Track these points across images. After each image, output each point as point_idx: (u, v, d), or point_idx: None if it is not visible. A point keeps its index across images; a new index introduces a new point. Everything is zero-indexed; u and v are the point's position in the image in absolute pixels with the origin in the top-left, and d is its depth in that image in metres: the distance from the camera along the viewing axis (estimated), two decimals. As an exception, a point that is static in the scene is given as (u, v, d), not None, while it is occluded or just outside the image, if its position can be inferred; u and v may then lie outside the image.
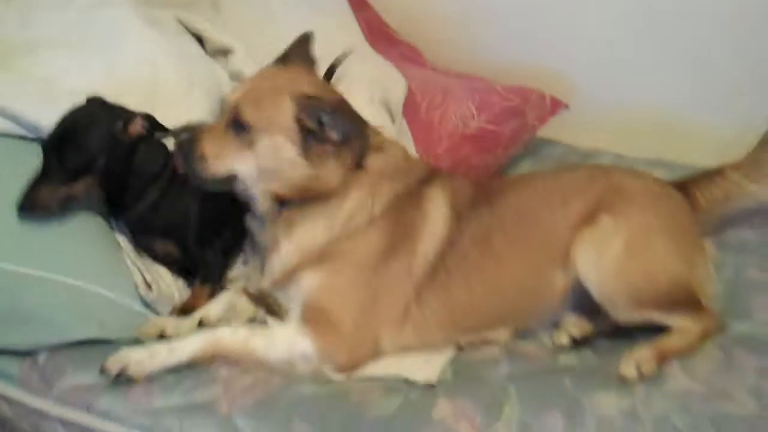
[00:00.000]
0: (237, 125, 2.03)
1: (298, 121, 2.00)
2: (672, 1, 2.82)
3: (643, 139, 2.90)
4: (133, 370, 1.94)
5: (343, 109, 2.04)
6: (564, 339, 2.16)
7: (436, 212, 2.14)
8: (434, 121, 2.71)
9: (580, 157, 2.93)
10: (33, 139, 2.18)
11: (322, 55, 2.76)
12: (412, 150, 2.64)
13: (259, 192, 2.10)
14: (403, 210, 2.13)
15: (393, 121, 2.70)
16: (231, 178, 2.06)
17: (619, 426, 1.84)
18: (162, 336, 2.06)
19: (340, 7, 3.05)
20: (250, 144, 2.02)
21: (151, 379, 1.96)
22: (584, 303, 2.14)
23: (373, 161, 2.12)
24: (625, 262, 2.06)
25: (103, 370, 1.93)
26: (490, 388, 1.97)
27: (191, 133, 2.10)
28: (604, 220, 2.10)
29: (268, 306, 2.19)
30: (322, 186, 2.06)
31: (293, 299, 2.09)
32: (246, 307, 2.20)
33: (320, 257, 2.08)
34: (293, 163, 2.02)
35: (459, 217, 2.15)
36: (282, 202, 2.10)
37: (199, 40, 2.75)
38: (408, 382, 1.99)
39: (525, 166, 2.93)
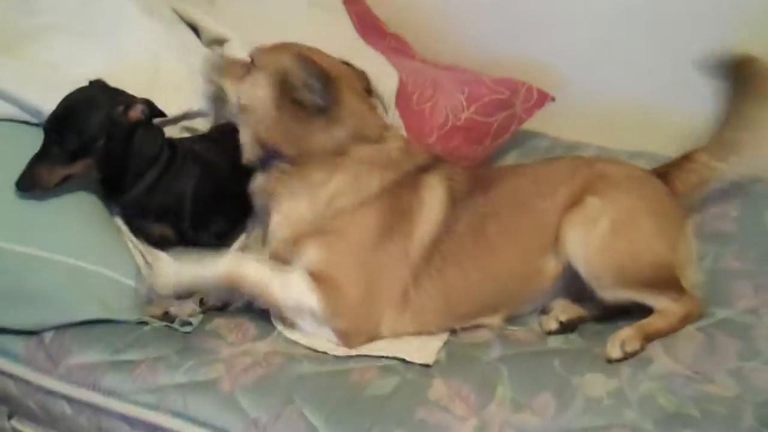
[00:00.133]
0: (251, 61, 2.26)
1: (287, 74, 2.14)
2: (655, 5, 2.88)
3: (625, 131, 2.95)
4: (161, 286, 2.11)
5: (330, 84, 2.14)
6: (552, 324, 2.21)
7: (433, 198, 2.20)
8: (425, 113, 2.75)
9: (564, 149, 2.98)
10: (36, 125, 2.20)
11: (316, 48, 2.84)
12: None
13: (244, 132, 2.25)
14: (400, 196, 2.18)
15: (386, 112, 2.73)
16: (221, 99, 2.32)
17: (606, 405, 1.90)
18: (167, 315, 2.13)
19: (333, 1, 3.09)
20: (244, 75, 2.23)
21: (156, 358, 2.02)
22: (573, 289, 2.21)
23: (365, 150, 2.19)
24: (611, 240, 2.12)
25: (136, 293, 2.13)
26: (483, 369, 2.03)
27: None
28: (591, 201, 2.17)
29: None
30: (294, 148, 2.17)
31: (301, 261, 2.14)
32: None
33: (315, 232, 2.14)
34: (264, 105, 2.18)
35: (455, 203, 2.21)
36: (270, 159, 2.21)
37: (194, 29, 2.77)
38: (405, 363, 2.04)
39: (512, 158, 2.97)
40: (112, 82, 2.21)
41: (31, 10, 2.46)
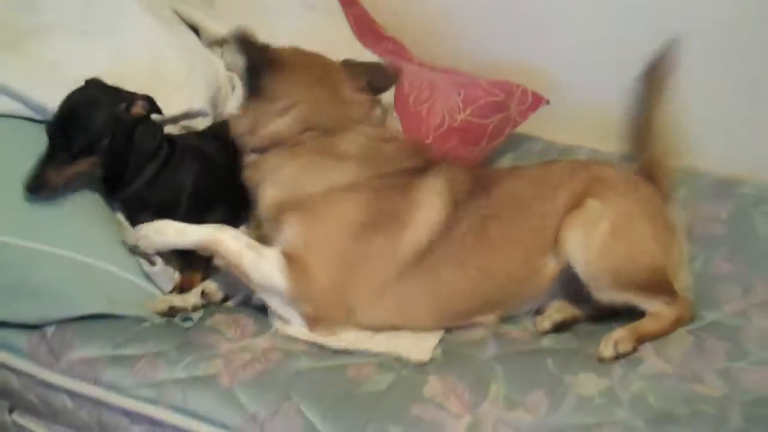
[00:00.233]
0: None
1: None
2: (650, 5, 2.90)
3: (617, 135, 2.99)
4: (143, 243, 2.14)
5: (260, 69, 2.24)
6: (547, 324, 2.24)
7: (430, 203, 2.22)
8: (422, 114, 2.79)
9: (558, 152, 3.01)
10: (39, 121, 2.23)
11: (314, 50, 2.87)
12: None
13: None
14: (387, 195, 2.20)
15: (385, 114, 2.75)
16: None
17: (598, 404, 1.93)
18: (172, 309, 2.17)
19: (329, 2, 3.12)
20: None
21: (156, 353, 2.05)
22: (569, 290, 2.25)
23: (319, 141, 2.24)
24: (610, 242, 2.15)
25: (123, 244, 2.19)
26: (477, 367, 2.06)
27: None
28: (592, 204, 2.20)
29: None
30: (255, 137, 2.27)
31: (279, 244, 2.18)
32: None
33: (289, 208, 2.18)
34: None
35: (456, 205, 2.23)
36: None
37: (194, 30, 2.81)
38: (400, 360, 2.07)
39: (507, 160, 3.01)
40: (114, 81, 2.23)
41: (35, 8, 2.48)
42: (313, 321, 2.13)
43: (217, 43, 2.81)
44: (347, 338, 2.15)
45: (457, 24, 3.24)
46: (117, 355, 2.05)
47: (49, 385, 2.08)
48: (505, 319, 2.28)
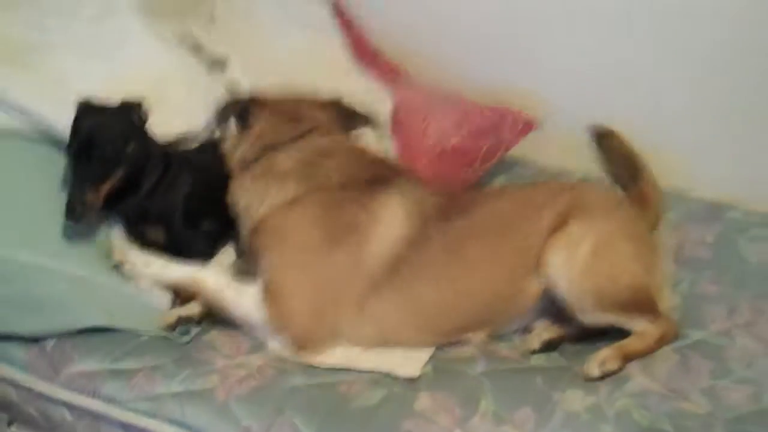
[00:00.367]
0: None
1: None
2: (641, 30, 2.94)
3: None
4: (127, 269, 2.21)
5: (258, 111, 2.39)
6: (535, 343, 2.27)
7: (390, 217, 2.25)
8: (416, 137, 2.82)
9: (550, 175, 3.02)
10: (39, 140, 2.29)
11: (311, 72, 2.92)
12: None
13: None
14: (338, 207, 2.25)
15: (381, 136, 2.79)
16: None
17: (584, 420, 1.96)
18: (180, 319, 2.21)
19: (328, 25, 3.16)
20: None
21: (154, 367, 2.09)
22: (553, 309, 2.27)
23: (281, 164, 2.31)
24: (592, 263, 2.18)
25: (107, 255, 2.24)
26: (467, 383, 2.09)
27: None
28: (573, 226, 2.24)
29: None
30: (232, 161, 2.40)
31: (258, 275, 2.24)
32: None
33: (255, 236, 2.27)
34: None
35: (425, 221, 2.26)
36: None
37: (196, 50, 2.83)
38: (392, 376, 2.11)
39: (499, 183, 3.02)
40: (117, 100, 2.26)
41: (43, 26, 2.51)
42: (297, 348, 2.18)
43: (218, 63, 2.83)
44: (337, 356, 2.19)
45: (450, 49, 3.26)
46: (115, 368, 2.09)
47: (49, 398, 2.11)
48: (495, 337, 2.31)
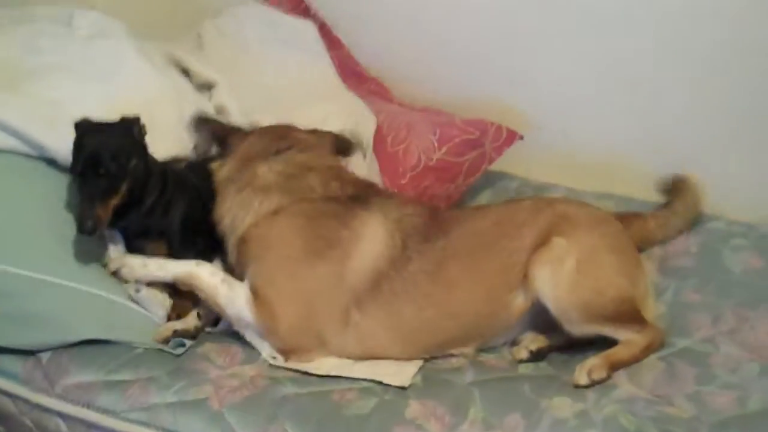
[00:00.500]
0: None
1: None
2: (620, 52, 2.98)
3: (592, 174, 3.07)
4: (125, 272, 2.24)
5: (223, 139, 2.49)
6: (523, 354, 2.31)
7: (371, 234, 2.29)
8: (399, 154, 2.87)
9: (534, 189, 3.07)
10: (35, 157, 2.31)
11: (298, 93, 2.98)
12: (378, 181, 2.80)
13: None
14: (321, 220, 2.30)
15: (364, 155, 2.85)
16: None
17: (572, 425, 1.99)
18: (176, 333, 2.26)
19: (315, 45, 3.21)
20: None
21: (148, 378, 2.11)
22: (539, 321, 2.32)
23: (263, 175, 2.37)
24: (577, 278, 2.22)
25: (104, 265, 2.28)
26: (457, 392, 2.13)
27: None
28: (557, 242, 2.27)
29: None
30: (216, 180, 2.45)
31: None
32: None
33: (242, 246, 2.32)
34: None
35: (405, 243, 2.30)
36: None
37: (185, 73, 2.88)
38: (383, 385, 2.14)
39: (484, 198, 3.08)
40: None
41: (37, 49, 2.55)
42: (284, 352, 2.23)
43: (205, 86, 2.88)
44: (329, 365, 2.23)
45: (436, 68, 3.32)
46: (110, 380, 2.12)
47: (45, 410, 2.13)
48: (482, 350, 2.36)
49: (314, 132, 2.55)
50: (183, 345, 2.24)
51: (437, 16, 3.23)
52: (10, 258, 2.14)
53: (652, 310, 2.37)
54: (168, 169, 2.39)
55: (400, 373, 2.20)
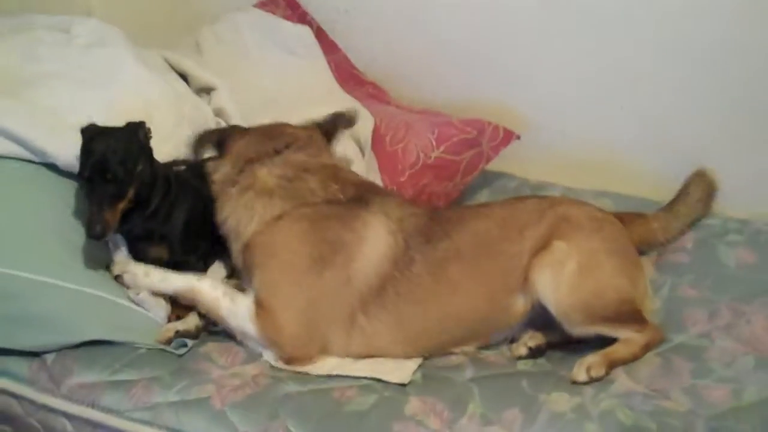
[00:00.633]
0: None
1: None
2: (619, 52, 3.00)
3: (590, 172, 3.09)
4: (127, 279, 2.27)
5: (220, 141, 2.48)
6: (522, 350, 2.34)
7: (374, 236, 2.30)
8: (398, 153, 2.90)
9: (531, 188, 3.09)
10: (37, 162, 2.35)
11: (296, 95, 3.01)
12: (377, 179, 2.83)
13: None
14: (325, 223, 2.31)
15: (363, 154, 2.89)
16: None
17: (569, 419, 2.02)
18: (178, 333, 2.27)
19: (312, 50, 3.25)
20: None
21: (152, 378, 2.14)
22: (538, 321, 2.35)
23: (263, 179, 2.37)
24: (578, 280, 2.24)
25: (107, 267, 2.32)
26: (455, 388, 2.16)
27: None
28: (558, 245, 2.29)
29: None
30: (213, 183, 2.45)
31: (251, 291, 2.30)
32: None
33: (247, 253, 2.32)
34: None
35: (407, 243, 2.31)
36: None
37: (183, 78, 2.92)
38: (382, 383, 2.17)
39: (482, 197, 3.09)
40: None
41: (36, 57, 2.58)
42: (288, 361, 2.24)
43: (204, 90, 2.91)
44: (330, 365, 2.25)
45: (433, 70, 3.34)
46: (114, 380, 2.15)
47: (50, 410, 2.16)
48: (482, 348, 2.39)
49: (304, 128, 2.56)
50: (185, 345, 2.26)
51: (436, 16, 3.26)
52: (14, 261, 2.17)
53: (651, 309, 2.40)
54: (171, 172, 2.41)
55: (400, 370, 2.23)
